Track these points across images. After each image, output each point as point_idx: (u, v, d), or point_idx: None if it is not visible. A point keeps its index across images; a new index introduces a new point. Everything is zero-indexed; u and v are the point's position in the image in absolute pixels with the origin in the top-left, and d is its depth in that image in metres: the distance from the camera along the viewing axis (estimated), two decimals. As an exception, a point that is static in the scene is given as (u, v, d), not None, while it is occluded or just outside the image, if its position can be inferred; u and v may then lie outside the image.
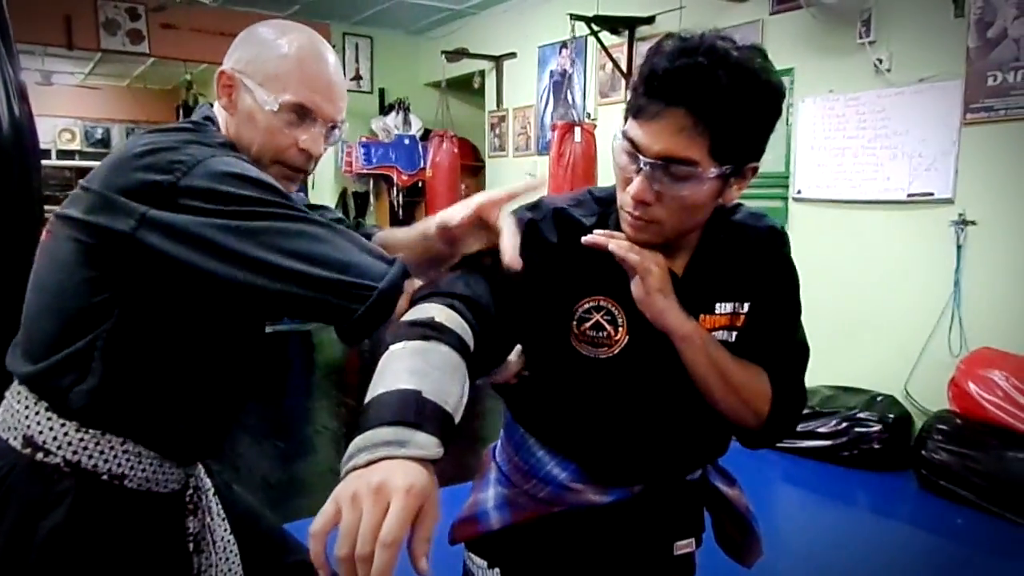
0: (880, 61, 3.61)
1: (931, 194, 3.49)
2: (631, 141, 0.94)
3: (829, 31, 3.80)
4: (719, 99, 0.88)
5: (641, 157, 0.92)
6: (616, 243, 0.97)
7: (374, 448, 0.68)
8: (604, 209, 1.06)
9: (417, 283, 0.95)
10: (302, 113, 1.07)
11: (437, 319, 0.82)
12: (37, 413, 1.00)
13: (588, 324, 1.04)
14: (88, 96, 9.96)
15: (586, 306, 1.04)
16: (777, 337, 1.10)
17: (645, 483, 1.12)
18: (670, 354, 1.01)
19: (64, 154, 10.32)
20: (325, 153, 1.15)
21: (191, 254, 0.91)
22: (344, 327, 0.92)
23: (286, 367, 6.01)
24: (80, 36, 5.68)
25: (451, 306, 0.86)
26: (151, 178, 0.92)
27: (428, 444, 0.69)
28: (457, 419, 0.75)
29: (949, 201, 3.43)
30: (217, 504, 1.19)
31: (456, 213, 0.98)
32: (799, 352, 1.14)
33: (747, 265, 1.07)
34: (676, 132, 0.90)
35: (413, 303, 0.89)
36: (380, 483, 0.64)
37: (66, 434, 1.00)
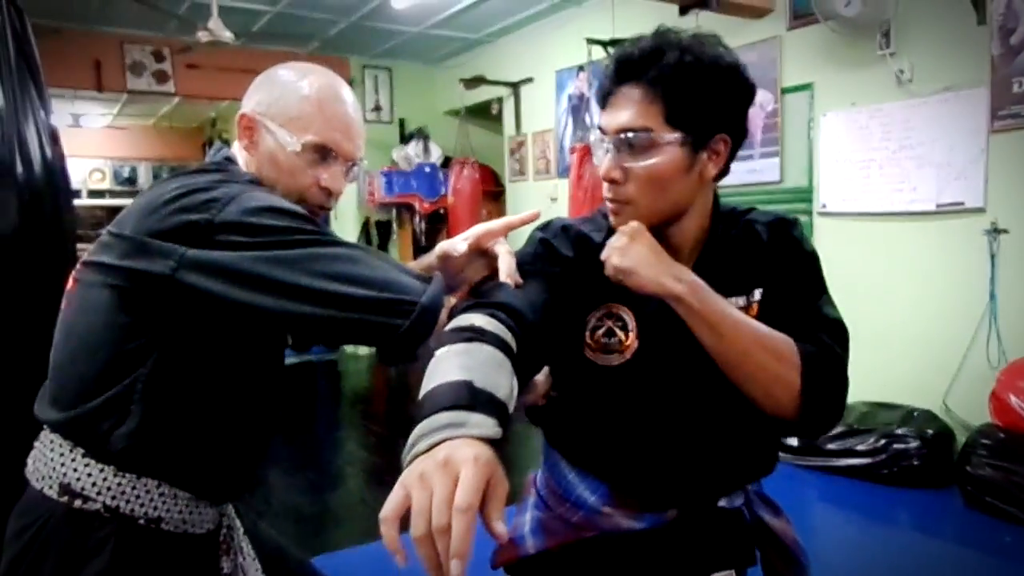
0: (902, 72, 3.58)
1: (962, 203, 3.43)
2: (600, 129, 1.00)
3: (848, 44, 3.78)
4: (668, 68, 0.94)
5: (605, 138, 0.99)
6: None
7: (432, 433, 0.69)
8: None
9: (452, 300, 0.97)
10: (323, 153, 1.09)
11: (477, 324, 0.86)
12: (73, 460, 1.00)
13: (601, 331, 1.04)
14: (116, 136, 10.21)
15: (598, 315, 1.05)
16: (799, 312, 1.02)
17: (677, 505, 1.08)
18: (685, 356, 0.99)
19: (94, 194, 10.55)
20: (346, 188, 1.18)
21: (234, 290, 0.92)
22: (388, 345, 0.93)
23: (313, 398, 6.03)
24: (108, 79, 5.84)
25: (491, 315, 0.88)
26: (187, 218, 0.93)
27: (486, 423, 0.70)
28: (510, 409, 0.77)
29: (980, 210, 3.37)
30: (247, 543, 1.19)
31: (456, 243, 1.04)
32: (830, 324, 1.02)
33: (756, 256, 1.05)
34: (632, 106, 0.96)
35: (452, 316, 0.91)
36: (446, 457, 0.64)
37: (104, 479, 0.99)
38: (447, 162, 6.68)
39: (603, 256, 0.99)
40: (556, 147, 5.89)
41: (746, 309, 1.04)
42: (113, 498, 0.99)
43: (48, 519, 0.99)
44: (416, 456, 0.68)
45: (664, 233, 1.04)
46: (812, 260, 1.07)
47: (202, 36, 4.23)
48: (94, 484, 0.99)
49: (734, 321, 0.94)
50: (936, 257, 3.57)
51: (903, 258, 3.69)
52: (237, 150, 1.14)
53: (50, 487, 1.00)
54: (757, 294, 1.04)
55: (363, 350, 7.47)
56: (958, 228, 3.46)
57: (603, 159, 0.99)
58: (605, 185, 1.00)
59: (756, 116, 4.28)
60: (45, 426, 1.05)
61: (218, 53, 5.05)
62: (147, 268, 0.94)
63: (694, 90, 0.95)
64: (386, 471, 4.14)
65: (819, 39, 3.92)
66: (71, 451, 1.00)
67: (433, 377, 0.78)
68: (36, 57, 2.25)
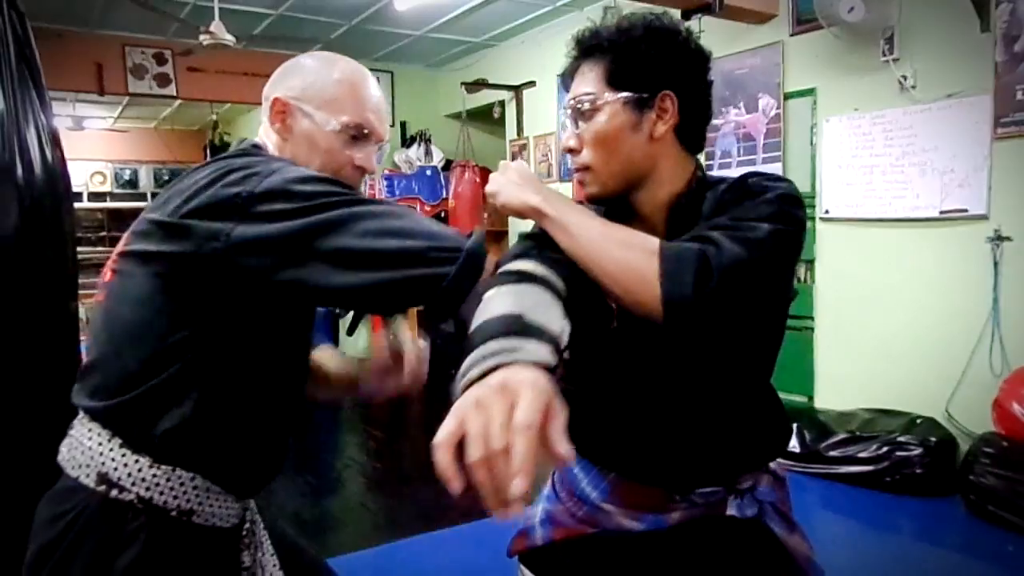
0: (905, 78, 3.57)
1: (965, 210, 3.42)
2: (565, 109, 1.07)
3: (852, 50, 3.77)
4: (606, 41, 1.02)
5: (565, 113, 1.06)
6: None
7: (485, 359, 0.68)
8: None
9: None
10: (359, 133, 1.14)
11: (527, 268, 0.87)
12: (111, 449, 1.00)
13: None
14: (118, 139, 10.21)
15: None
16: (704, 227, 0.94)
17: (671, 488, 1.06)
18: (659, 334, 0.95)
19: (96, 196, 10.55)
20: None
21: (286, 269, 0.92)
22: (435, 296, 0.91)
23: (313, 402, 6.01)
24: (110, 82, 5.83)
25: (539, 262, 0.90)
26: (230, 191, 0.94)
27: (539, 351, 0.69)
28: (562, 346, 0.75)
29: (983, 217, 3.36)
30: (267, 539, 1.19)
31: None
32: (732, 227, 0.91)
33: (714, 209, 1.02)
34: (579, 79, 1.05)
35: (497, 267, 0.93)
36: (502, 381, 0.63)
37: (140, 470, 1.00)
38: (448, 165, 6.67)
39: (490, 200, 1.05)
40: (558, 150, 5.88)
41: None
42: (147, 489, 1.00)
43: (84, 508, 0.99)
44: (469, 383, 0.66)
45: (633, 202, 1.06)
46: (757, 193, 0.97)
47: (204, 39, 4.23)
48: (130, 475, 1.00)
49: (588, 223, 0.94)
50: (939, 264, 3.56)
51: (905, 265, 3.67)
52: (263, 136, 1.17)
53: (87, 475, 1.01)
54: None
55: (363, 353, 7.45)
56: (961, 235, 3.45)
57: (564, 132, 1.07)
58: (568, 158, 1.08)
59: (758, 121, 4.27)
60: (83, 414, 1.05)
61: (220, 56, 5.04)
62: (194, 250, 0.94)
63: (631, 52, 1.01)
64: (386, 476, 4.13)
65: (822, 45, 3.91)
66: (109, 440, 1.01)
67: (483, 314, 0.78)
68: (37, 60, 2.24)
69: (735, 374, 1.06)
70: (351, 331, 1.32)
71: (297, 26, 5.67)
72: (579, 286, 0.93)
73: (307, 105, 1.12)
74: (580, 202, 1.07)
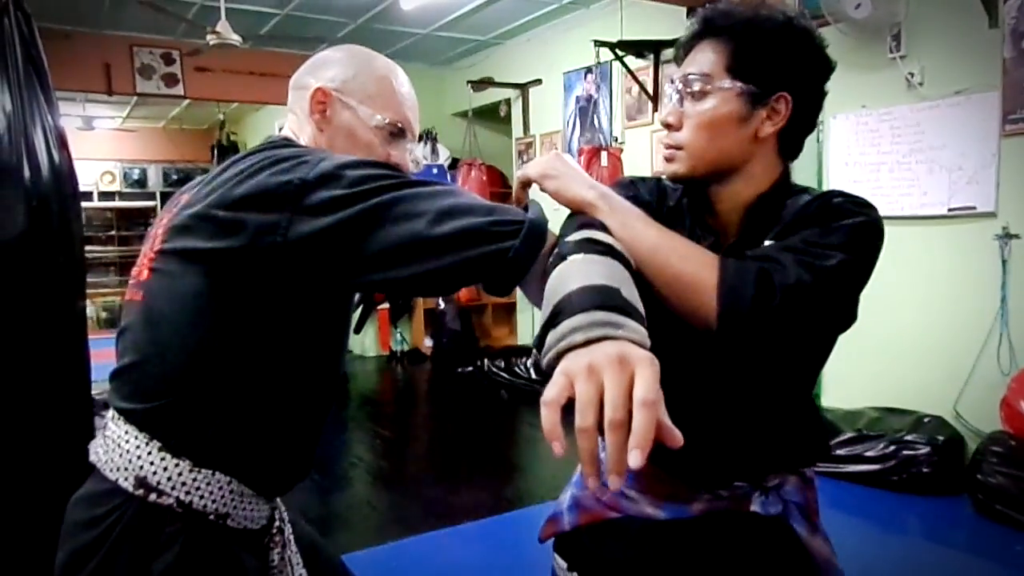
0: (912, 75, 3.55)
1: (973, 208, 3.40)
2: (671, 81, 1.01)
3: (859, 47, 3.75)
4: (739, 24, 0.97)
5: (671, 86, 1.01)
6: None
7: (590, 328, 0.66)
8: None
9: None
10: (396, 131, 1.13)
11: (607, 240, 0.82)
12: (150, 453, 0.99)
13: None
14: (126, 139, 10.27)
15: None
16: (775, 247, 0.93)
17: (699, 482, 1.05)
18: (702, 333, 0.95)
19: (105, 196, 10.62)
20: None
21: (350, 266, 0.88)
22: (500, 271, 0.87)
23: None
24: (118, 82, 5.86)
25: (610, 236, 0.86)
26: (282, 179, 0.89)
27: (641, 332, 0.68)
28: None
29: (992, 215, 3.34)
30: (292, 537, 1.20)
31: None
32: (802, 251, 0.90)
33: (790, 219, 1.00)
34: (699, 57, 0.99)
35: (561, 238, 0.87)
36: (621, 353, 0.62)
37: (180, 474, 0.98)
38: (455, 163, 6.68)
39: (522, 169, 1.01)
40: (564, 149, 5.87)
41: None
42: (187, 493, 0.99)
43: (123, 512, 0.98)
44: (570, 347, 0.65)
45: (713, 194, 1.02)
46: (838, 217, 0.95)
47: (211, 39, 4.25)
48: (169, 479, 0.98)
49: (644, 226, 0.92)
50: (946, 262, 3.54)
51: (913, 262, 3.66)
52: (297, 128, 1.14)
53: (125, 479, 0.99)
54: (767, 244, 0.99)
55: (370, 352, 7.48)
56: (969, 233, 3.43)
57: (665, 106, 1.02)
58: (663, 132, 1.02)
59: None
60: (117, 415, 1.03)
61: (227, 56, 5.07)
62: (248, 244, 0.90)
63: (758, 43, 0.96)
64: (392, 474, 4.14)
65: (829, 41, 3.83)
66: (148, 443, 0.99)
67: (571, 278, 0.73)
68: (44, 61, 2.26)
69: (776, 383, 1.04)
70: (358, 329, 1.31)
71: (303, 25, 5.68)
72: None
73: (350, 98, 1.11)
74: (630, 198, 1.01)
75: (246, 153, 1.02)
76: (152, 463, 0.98)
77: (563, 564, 1.16)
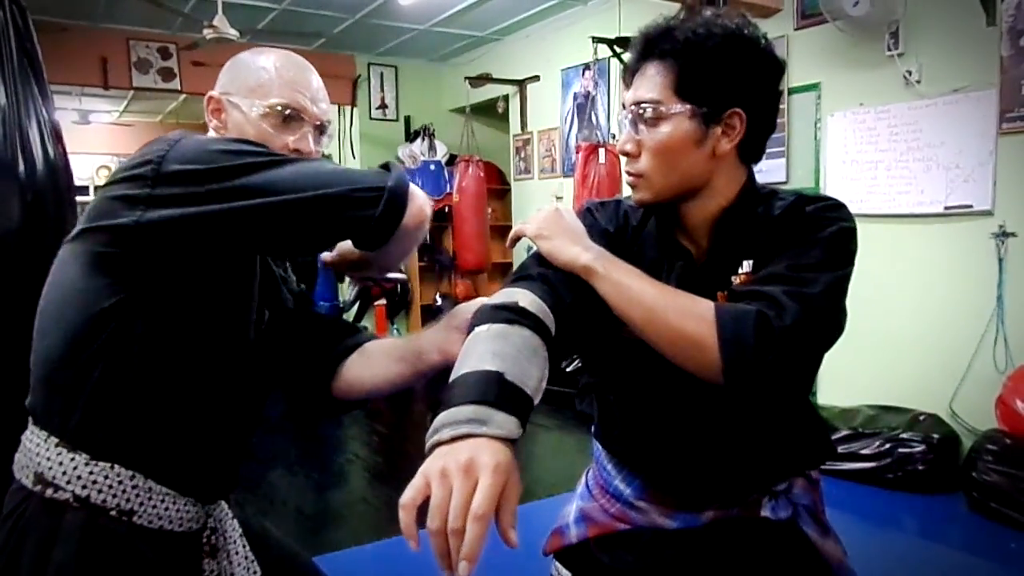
0: (910, 72, 3.55)
1: (969, 206, 3.40)
2: (622, 106, 1.02)
3: (856, 44, 3.75)
4: (678, 43, 0.96)
5: (624, 113, 1.01)
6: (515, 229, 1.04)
7: (457, 425, 0.71)
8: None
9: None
10: (288, 115, 1.12)
11: (521, 303, 0.87)
12: (47, 449, 1.01)
13: None
14: (123, 133, 10.22)
15: None
16: (762, 278, 0.94)
17: (705, 499, 1.05)
18: None
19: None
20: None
21: (208, 225, 0.94)
22: (364, 234, 0.97)
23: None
24: (114, 76, 5.84)
25: (534, 292, 0.90)
26: (143, 158, 0.96)
27: (508, 424, 0.72)
28: (536, 401, 0.78)
29: (988, 213, 3.34)
30: (245, 547, 1.16)
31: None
32: (793, 281, 0.91)
33: (764, 231, 1.01)
34: (646, 81, 0.98)
35: (504, 287, 0.94)
36: (468, 461, 0.67)
37: (75, 468, 0.99)
38: (452, 160, 6.66)
39: (520, 224, 1.03)
40: (561, 145, 5.87)
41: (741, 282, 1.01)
42: (83, 488, 0.99)
43: (25, 509, 1.00)
44: (438, 443, 0.70)
45: (681, 211, 1.03)
46: (814, 230, 0.96)
47: (207, 33, 4.23)
48: (64, 473, 0.99)
49: (641, 287, 0.93)
50: (943, 260, 3.54)
51: (909, 260, 3.66)
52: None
53: (27, 477, 1.02)
54: (746, 265, 1.00)
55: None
56: (966, 231, 3.43)
57: (620, 134, 1.02)
58: (623, 159, 1.03)
59: (763, 116, 4.25)
60: (29, 417, 1.06)
61: (224, 50, 5.02)
62: (111, 220, 0.96)
63: (703, 63, 0.95)
64: (388, 470, 4.14)
65: (827, 39, 3.89)
66: (45, 440, 1.01)
67: (468, 358, 0.79)
68: (38, 54, 2.25)
69: (776, 399, 1.04)
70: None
71: (301, 20, 5.66)
72: (588, 297, 0.95)
73: (235, 96, 1.13)
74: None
75: None
76: (49, 459, 1.00)
77: (567, 574, 1.16)
